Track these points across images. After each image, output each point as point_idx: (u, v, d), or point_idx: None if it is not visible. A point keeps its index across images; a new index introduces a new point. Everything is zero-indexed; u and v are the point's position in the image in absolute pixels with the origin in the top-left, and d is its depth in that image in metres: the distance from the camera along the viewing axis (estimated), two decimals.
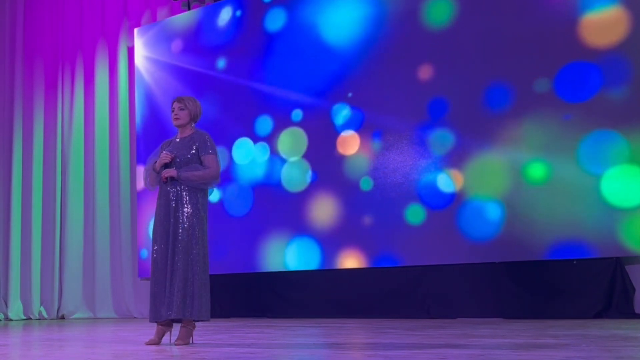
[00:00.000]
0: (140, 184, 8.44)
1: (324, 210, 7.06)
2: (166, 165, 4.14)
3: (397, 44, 6.80)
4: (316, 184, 7.16)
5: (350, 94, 7.00)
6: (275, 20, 7.65)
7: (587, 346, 3.26)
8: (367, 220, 6.77)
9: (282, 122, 7.45)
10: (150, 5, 9.09)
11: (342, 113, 7.06)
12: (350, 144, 6.99)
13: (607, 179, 5.60)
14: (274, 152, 7.45)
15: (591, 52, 5.78)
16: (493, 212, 6.10)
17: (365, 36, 7.00)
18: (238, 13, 7.98)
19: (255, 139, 7.61)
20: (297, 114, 7.36)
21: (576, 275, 5.77)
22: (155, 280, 4.07)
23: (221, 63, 8.01)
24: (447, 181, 6.36)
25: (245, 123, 7.72)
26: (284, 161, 7.38)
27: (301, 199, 7.23)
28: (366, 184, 6.82)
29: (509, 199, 6.04)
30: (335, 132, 7.10)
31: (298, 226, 7.21)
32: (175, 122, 4.24)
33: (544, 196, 5.87)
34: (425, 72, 6.62)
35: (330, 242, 6.98)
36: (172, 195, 4.10)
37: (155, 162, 4.19)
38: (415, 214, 6.49)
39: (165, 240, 4.06)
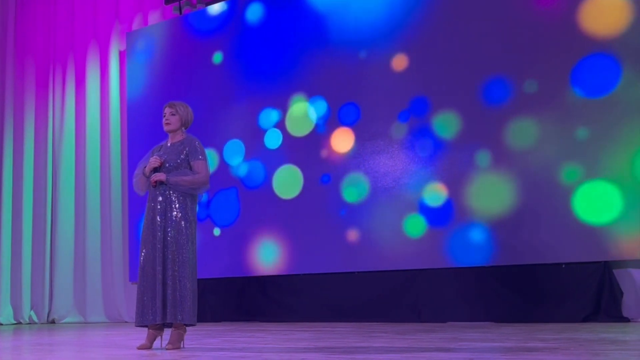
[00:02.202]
0: (131, 188, 8.43)
1: (315, 213, 7.07)
2: (155, 170, 4.16)
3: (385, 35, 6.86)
4: (307, 186, 7.17)
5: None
6: (268, 20, 7.67)
7: (576, 350, 3.29)
8: (358, 224, 6.79)
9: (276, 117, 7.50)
10: (142, 9, 9.09)
11: (321, 109, 7.12)
12: (339, 143, 7.01)
13: (597, 182, 5.66)
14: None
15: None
16: (483, 216, 6.13)
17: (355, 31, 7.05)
18: (225, 7, 8.01)
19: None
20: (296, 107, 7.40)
21: (565, 279, 5.81)
22: (143, 284, 4.08)
23: (213, 67, 8.02)
24: (436, 186, 6.39)
25: (242, 123, 7.71)
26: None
27: (292, 202, 7.24)
28: (357, 187, 6.84)
29: (499, 203, 6.07)
30: (321, 130, 7.14)
31: (288, 229, 7.23)
32: (166, 128, 4.26)
33: (534, 199, 5.92)
34: (421, 66, 6.65)
35: (321, 245, 6.99)
36: (161, 200, 4.11)
37: (145, 167, 4.21)
38: (405, 218, 6.52)
39: (154, 245, 4.07)
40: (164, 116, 4.26)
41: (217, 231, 7.72)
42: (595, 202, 5.65)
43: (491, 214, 6.10)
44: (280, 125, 7.44)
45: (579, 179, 5.73)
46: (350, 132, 6.97)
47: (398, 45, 6.79)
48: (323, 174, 7.08)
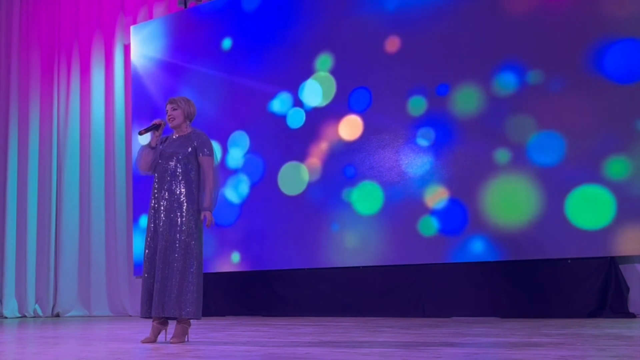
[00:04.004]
0: (135, 183, 8.44)
1: (319, 208, 7.06)
2: (156, 129, 4.20)
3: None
4: (312, 181, 7.15)
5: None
6: (272, 15, 7.64)
7: (581, 345, 3.28)
8: (360, 219, 6.77)
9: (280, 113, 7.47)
10: (147, 1, 9.07)
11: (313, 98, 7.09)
12: (347, 131, 6.97)
13: (604, 175, 5.63)
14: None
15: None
16: (486, 210, 6.10)
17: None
18: None
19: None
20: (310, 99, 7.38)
21: (570, 274, 5.78)
22: (148, 276, 4.09)
23: (218, 60, 8.00)
24: (439, 182, 6.37)
25: (245, 116, 7.69)
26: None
27: (297, 196, 7.23)
28: (361, 181, 6.82)
29: (502, 197, 6.04)
30: (328, 119, 7.11)
31: (293, 224, 7.21)
32: (171, 124, 4.26)
33: (537, 194, 5.88)
34: (424, 55, 6.59)
35: (324, 240, 6.98)
36: (168, 193, 4.10)
37: (150, 141, 4.20)
38: (409, 215, 6.50)
39: (158, 237, 4.06)
40: (167, 113, 4.27)
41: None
42: (602, 199, 5.61)
43: (495, 208, 6.06)
44: (294, 108, 7.41)
45: (586, 176, 5.69)
46: (359, 120, 6.91)
47: (408, 30, 6.75)
48: (327, 169, 7.06)
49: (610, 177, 5.59)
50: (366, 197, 6.78)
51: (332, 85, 7.12)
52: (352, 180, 6.88)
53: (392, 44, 6.80)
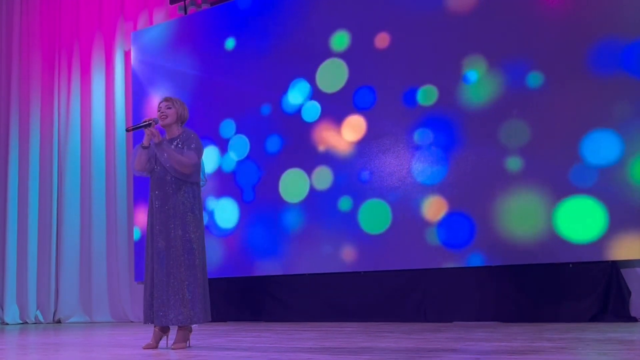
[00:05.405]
0: (137, 187, 8.44)
1: (320, 213, 7.06)
2: (147, 127, 4.16)
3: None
4: (314, 187, 7.15)
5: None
6: (273, 18, 7.65)
7: (583, 349, 3.27)
8: (362, 223, 6.76)
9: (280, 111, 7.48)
10: (147, 6, 9.09)
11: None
12: (349, 133, 6.96)
13: (607, 178, 5.62)
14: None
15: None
16: (489, 214, 6.10)
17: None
18: None
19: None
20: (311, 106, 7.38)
21: (572, 278, 5.77)
22: (146, 282, 4.09)
23: (219, 66, 8.01)
24: (441, 186, 6.37)
25: (247, 120, 7.70)
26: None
27: (299, 202, 7.22)
28: (362, 184, 6.82)
29: (504, 200, 6.04)
30: (331, 119, 7.11)
31: (294, 229, 7.21)
32: (162, 122, 4.22)
33: (540, 197, 5.88)
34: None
35: (326, 245, 6.97)
36: (166, 198, 4.09)
37: (143, 141, 4.19)
38: (410, 217, 6.49)
39: (158, 245, 4.06)
40: (159, 110, 4.23)
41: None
42: (603, 201, 5.60)
43: (501, 219, 6.04)
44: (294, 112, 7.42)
45: (586, 175, 5.69)
46: (363, 120, 6.87)
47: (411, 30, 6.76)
48: (332, 173, 7.05)
49: (614, 179, 5.58)
50: (370, 206, 6.77)
51: (334, 83, 7.11)
52: (357, 183, 6.87)
53: (382, 40, 6.80)
